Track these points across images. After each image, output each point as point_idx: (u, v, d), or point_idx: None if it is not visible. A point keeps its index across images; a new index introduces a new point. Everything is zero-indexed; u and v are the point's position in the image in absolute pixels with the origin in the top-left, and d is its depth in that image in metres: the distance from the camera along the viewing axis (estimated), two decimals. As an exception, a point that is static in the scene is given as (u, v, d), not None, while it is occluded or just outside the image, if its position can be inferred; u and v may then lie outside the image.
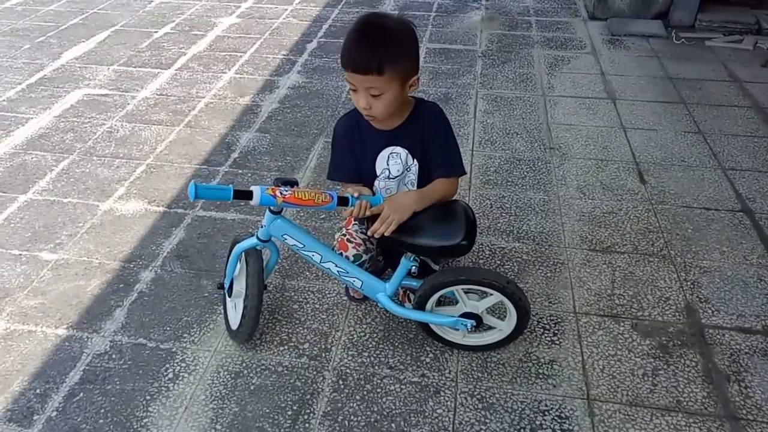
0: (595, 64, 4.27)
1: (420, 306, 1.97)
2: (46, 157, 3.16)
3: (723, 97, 3.83)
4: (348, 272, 1.95)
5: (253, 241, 1.93)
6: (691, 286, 2.38)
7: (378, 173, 1.96)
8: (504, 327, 2.03)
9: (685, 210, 2.80)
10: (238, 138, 3.34)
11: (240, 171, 3.06)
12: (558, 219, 2.74)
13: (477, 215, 2.68)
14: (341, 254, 1.98)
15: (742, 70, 4.17)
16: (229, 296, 2.11)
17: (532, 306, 2.25)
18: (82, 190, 2.90)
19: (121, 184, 2.95)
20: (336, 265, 1.93)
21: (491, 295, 1.94)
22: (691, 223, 2.72)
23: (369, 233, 1.84)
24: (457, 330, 2.02)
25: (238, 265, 2.05)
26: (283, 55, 4.36)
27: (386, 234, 1.80)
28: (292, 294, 2.33)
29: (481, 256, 2.51)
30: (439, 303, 2.04)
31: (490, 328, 2.07)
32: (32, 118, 3.53)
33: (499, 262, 2.48)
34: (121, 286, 2.36)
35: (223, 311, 2.19)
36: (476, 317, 1.96)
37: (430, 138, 1.91)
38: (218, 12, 5.18)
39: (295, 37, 4.67)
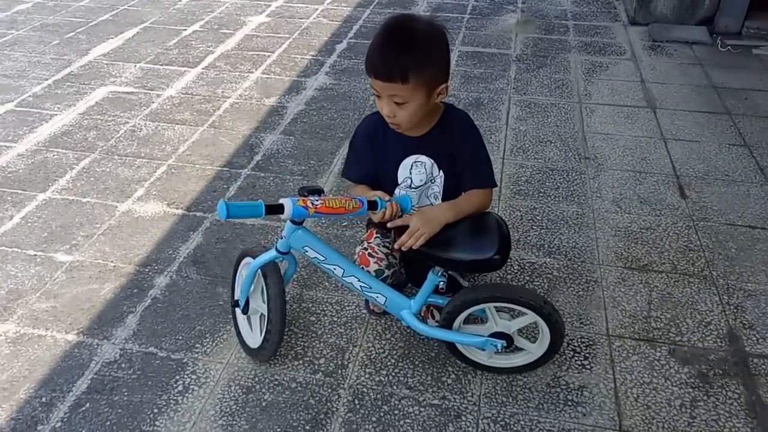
0: (634, 71, 4.10)
1: (447, 323, 1.86)
2: (67, 155, 3.11)
3: (771, 108, 3.65)
4: (371, 287, 1.84)
5: (271, 254, 1.83)
6: (735, 310, 2.23)
7: (399, 181, 1.86)
8: (534, 350, 1.92)
9: (729, 228, 2.64)
10: (262, 140, 3.26)
11: (262, 174, 2.97)
12: (592, 234, 2.60)
13: (506, 228, 2.58)
14: (363, 269, 1.88)
15: (791, 80, 3.98)
16: (245, 313, 2.01)
17: (562, 327, 2.14)
18: (102, 190, 2.85)
19: (141, 184, 2.89)
20: (359, 280, 1.83)
21: (525, 315, 1.83)
22: (735, 242, 2.56)
23: (396, 246, 1.73)
24: (484, 350, 1.92)
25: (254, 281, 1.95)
26: (312, 55, 4.28)
27: (414, 248, 1.69)
28: (310, 305, 2.23)
29: (509, 272, 2.38)
30: (466, 321, 1.92)
31: (519, 349, 1.96)
32: (56, 114, 3.50)
33: (528, 278, 2.36)
34: (135, 291, 2.29)
35: (234, 327, 2.10)
36: (507, 337, 1.85)
37: (459, 149, 1.80)
38: (248, 11, 5.12)
39: (325, 38, 4.59)
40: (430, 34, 1.63)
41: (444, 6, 5.26)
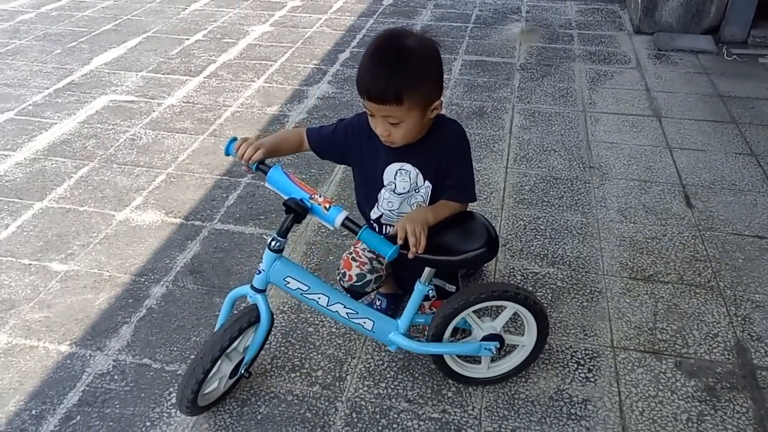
0: (639, 80, 4.06)
1: (437, 340, 1.82)
2: (66, 164, 3.09)
3: (777, 117, 3.60)
4: (358, 313, 1.77)
5: (244, 290, 1.73)
6: (742, 321, 2.18)
7: (385, 183, 1.81)
8: (526, 341, 1.90)
9: (736, 238, 2.59)
10: (263, 148, 3.22)
11: (262, 183, 2.93)
12: (596, 243, 2.55)
13: (509, 236, 2.57)
14: (345, 273, 1.87)
15: (798, 89, 3.93)
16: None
17: (565, 338, 2.09)
18: (99, 199, 2.82)
19: (139, 193, 2.85)
20: (345, 306, 1.76)
21: (504, 308, 1.83)
22: (742, 252, 2.51)
23: (410, 256, 1.61)
24: (479, 364, 1.89)
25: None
26: (314, 64, 4.26)
27: (420, 250, 1.58)
28: (308, 315, 2.19)
29: (512, 282, 2.33)
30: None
31: (512, 351, 1.94)
32: (56, 123, 3.48)
33: (531, 288, 2.31)
34: (130, 301, 2.25)
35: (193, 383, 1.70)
36: (498, 337, 1.83)
37: (447, 161, 1.74)
38: (251, 20, 5.11)
39: (328, 47, 4.57)
40: (422, 52, 1.57)
41: (448, 16, 5.24)
